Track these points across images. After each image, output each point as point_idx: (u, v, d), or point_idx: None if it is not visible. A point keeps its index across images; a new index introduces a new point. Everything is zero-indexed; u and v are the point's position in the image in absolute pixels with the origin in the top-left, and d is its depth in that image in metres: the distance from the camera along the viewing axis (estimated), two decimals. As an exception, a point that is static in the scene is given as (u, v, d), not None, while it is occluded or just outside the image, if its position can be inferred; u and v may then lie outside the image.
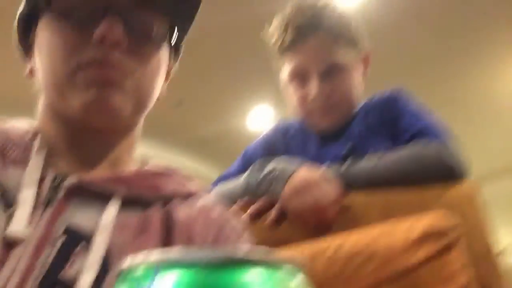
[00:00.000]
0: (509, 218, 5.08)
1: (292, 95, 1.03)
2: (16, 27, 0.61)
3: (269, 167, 0.89)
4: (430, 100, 1.04)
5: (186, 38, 0.66)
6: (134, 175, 0.57)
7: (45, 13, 0.57)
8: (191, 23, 0.64)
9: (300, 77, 1.00)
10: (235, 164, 1.10)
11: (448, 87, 4.20)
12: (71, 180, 0.52)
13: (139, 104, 0.58)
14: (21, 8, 0.60)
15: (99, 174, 0.56)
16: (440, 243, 0.66)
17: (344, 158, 0.90)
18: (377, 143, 0.95)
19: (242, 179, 0.93)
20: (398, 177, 0.84)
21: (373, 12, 3.13)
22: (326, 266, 0.70)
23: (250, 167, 0.92)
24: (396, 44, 3.55)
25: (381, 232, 0.71)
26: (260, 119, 4.83)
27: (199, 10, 0.62)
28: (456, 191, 0.80)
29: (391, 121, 0.98)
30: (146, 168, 0.62)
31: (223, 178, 1.05)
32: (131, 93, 0.56)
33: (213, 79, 4.13)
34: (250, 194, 0.89)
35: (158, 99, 0.64)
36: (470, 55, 3.85)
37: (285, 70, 1.03)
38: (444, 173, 0.83)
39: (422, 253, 0.66)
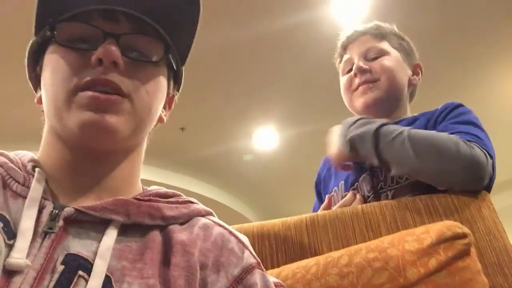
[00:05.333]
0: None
1: (342, 86, 1.12)
2: (26, 59, 0.63)
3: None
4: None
5: (188, 62, 0.68)
6: (134, 202, 0.57)
7: (50, 43, 0.59)
8: (189, 48, 0.67)
9: (348, 69, 1.10)
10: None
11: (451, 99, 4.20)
12: (69, 209, 0.53)
13: (137, 125, 0.59)
14: (31, 41, 0.62)
15: (98, 201, 0.55)
16: (453, 251, 0.66)
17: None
18: None
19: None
20: (423, 153, 0.82)
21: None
22: (339, 277, 0.70)
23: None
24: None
25: (392, 241, 0.71)
26: (265, 140, 4.85)
27: (195, 37, 0.65)
28: (468, 201, 0.79)
29: (434, 124, 0.98)
30: (147, 193, 0.61)
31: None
32: (129, 115, 0.57)
33: (217, 102, 4.17)
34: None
35: (160, 124, 0.66)
36: (472, 68, 3.88)
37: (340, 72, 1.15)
38: (472, 176, 0.80)
39: (434, 260, 0.65)
